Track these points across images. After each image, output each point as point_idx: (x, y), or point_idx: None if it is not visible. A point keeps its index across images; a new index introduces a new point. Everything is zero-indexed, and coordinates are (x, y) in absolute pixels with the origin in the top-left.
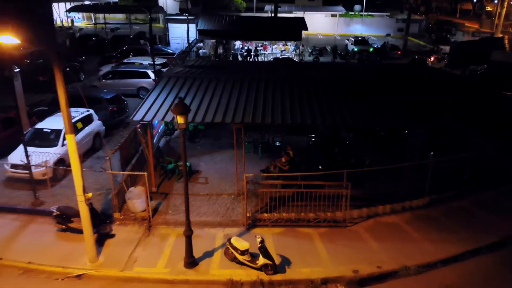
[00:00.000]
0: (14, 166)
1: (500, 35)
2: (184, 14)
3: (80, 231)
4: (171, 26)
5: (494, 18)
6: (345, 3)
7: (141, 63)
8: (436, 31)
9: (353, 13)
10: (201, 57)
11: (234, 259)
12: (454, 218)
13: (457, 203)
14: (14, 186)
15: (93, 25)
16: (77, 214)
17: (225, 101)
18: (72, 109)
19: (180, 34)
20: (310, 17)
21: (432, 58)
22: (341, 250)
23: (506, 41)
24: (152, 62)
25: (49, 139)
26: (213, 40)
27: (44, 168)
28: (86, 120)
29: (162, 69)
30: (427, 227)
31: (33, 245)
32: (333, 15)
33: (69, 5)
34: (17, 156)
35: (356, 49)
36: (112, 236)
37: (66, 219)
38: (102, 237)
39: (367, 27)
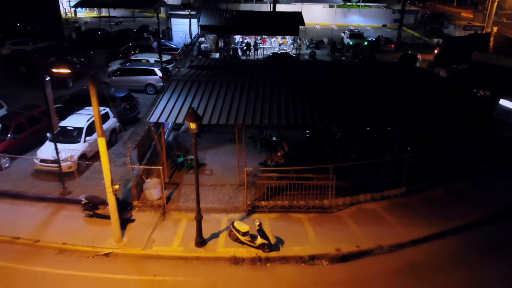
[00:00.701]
0: (43, 160)
1: (489, 30)
2: (186, 10)
3: (105, 217)
4: (174, 21)
5: (485, 11)
6: None
7: (147, 60)
8: (430, 23)
9: (350, 3)
10: (202, 51)
11: (237, 240)
12: (426, 206)
13: (430, 193)
14: (42, 178)
15: (96, 15)
16: (102, 202)
17: (228, 104)
18: (89, 107)
19: (183, 28)
20: (308, 8)
21: (436, 51)
22: (327, 232)
23: (492, 38)
24: (157, 59)
25: (72, 136)
26: (214, 35)
27: (70, 162)
28: (104, 118)
29: (168, 66)
30: (401, 213)
31: (65, 229)
32: (331, 6)
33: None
34: (45, 151)
35: (351, 43)
36: (133, 220)
37: (93, 206)
38: (124, 222)
39: (364, 18)
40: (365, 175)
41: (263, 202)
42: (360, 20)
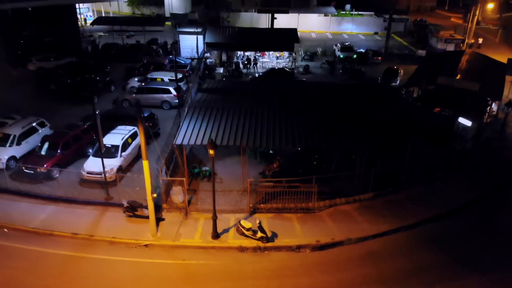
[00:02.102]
0: (89, 172)
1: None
2: (193, 26)
3: (142, 217)
4: (182, 37)
5: (467, 24)
6: (338, 1)
7: (162, 79)
8: (416, 33)
9: (344, 12)
10: (208, 66)
11: (242, 234)
12: (388, 207)
13: (393, 197)
14: (88, 186)
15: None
16: (139, 206)
17: (234, 127)
18: (121, 127)
19: (190, 44)
20: (305, 16)
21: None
22: (310, 228)
23: (465, 56)
24: (171, 77)
25: (111, 152)
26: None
27: (112, 173)
28: (133, 136)
29: (180, 83)
30: (368, 213)
31: (112, 226)
32: (325, 15)
33: (82, 6)
34: (90, 164)
35: (342, 56)
36: (163, 219)
37: (132, 209)
38: (157, 220)
39: (356, 26)
40: (341, 182)
41: (262, 205)
42: (353, 28)
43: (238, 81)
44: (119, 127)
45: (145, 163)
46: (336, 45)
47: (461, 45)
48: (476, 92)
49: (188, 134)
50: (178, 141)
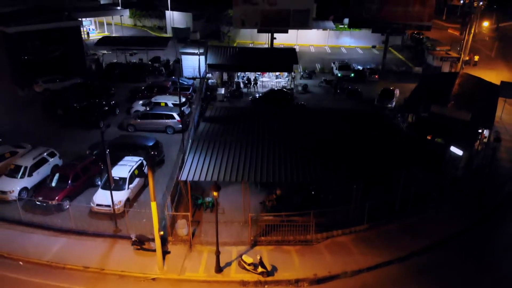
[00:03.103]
0: (99, 204)
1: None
2: (194, 46)
3: (150, 250)
4: (184, 57)
5: (462, 42)
6: (336, 16)
7: (166, 104)
8: (414, 48)
9: (342, 26)
10: (210, 86)
11: (244, 268)
12: (382, 238)
13: (386, 227)
14: (97, 217)
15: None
16: (147, 240)
17: (236, 163)
18: (127, 158)
19: (192, 63)
20: (304, 31)
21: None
22: (308, 261)
23: (458, 79)
24: (174, 102)
25: (119, 184)
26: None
27: (119, 206)
28: (140, 167)
29: (183, 107)
30: (363, 245)
31: (121, 259)
32: (324, 29)
33: (84, 19)
34: (100, 197)
35: (339, 75)
36: (169, 252)
37: (140, 242)
38: (163, 253)
39: (355, 39)
40: (338, 214)
41: (263, 238)
42: (351, 41)
43: (238, 109)
44: (126, 158)
45: (153, 205)
46: (334, 63)
47: (457, 63)
48: (467, 122)
49: (193, 170)
50: (183, 177)
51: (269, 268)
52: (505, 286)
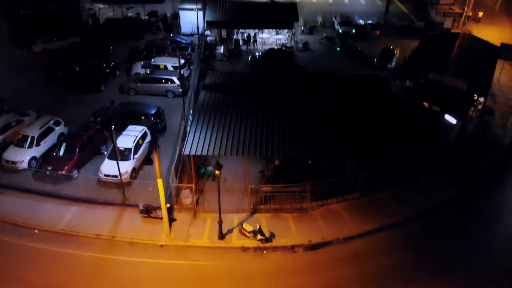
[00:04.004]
0: (106, 174)
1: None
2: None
3: (157, 218)
4: (182, 13)
5: None
6: None
7: (165, 66)
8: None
9: None
10: (208, 44)
11: (244, 235)
12: (374, 206)
13: (379, 195)
14: (105, 186)
15: None
16: (154, 208)
17: (236, 137)
18: (131, 127)
19: (190, 19)
20: None
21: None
22: (303, 228)
23: (459, 40)
24: (173, 64)
25: (124, 155)
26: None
27: (126, 176)
28: (143, 136)
29: (182, 70)
30: (355, 212)
31: (130, 227)
32: None
33: None
34: (107, 167)
35: (340, 31)
36: (175, 220)
37: (148, 211)
38: (169, 221)
39: None
40: (333, 183)
41: (262, 206)
42: None
43: (238, 75)
44: (130, 128)
45: (159, 181)
46: (335, 17)
47: (460, 18)
48: (463, 90)
49: (195, 144)
50: (186, 151)
51: (267, 235)
52: (483, 255)
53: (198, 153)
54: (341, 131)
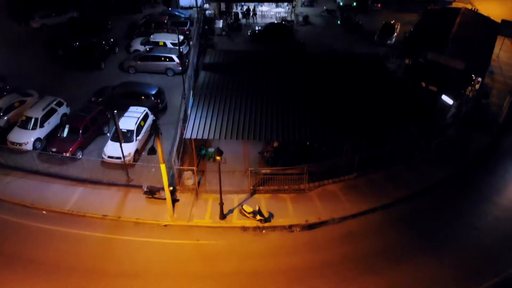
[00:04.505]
0: (110, 156)
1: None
2: None
3: (160, 199)
4: None
5: None
6: None
7: (164, 43)
8: None
9: None
10: (207, 17)
11: (244, 215)
12: (369, 187)
13: (374, 176)
14: (109, 167)
15: None
16: (157, 190)
17: (236, 121)
18: (132, 108)
19: None
20: None
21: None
22: (301, 208)
23: (459, 17)
24: (172, 41)
25: (127, 136)
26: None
27: (130, 157)
28: (145, 118)
29: (181, 48)
30: (350, 192)
31: (135, 207)
32: None
33: None
34: (110, 149)
35: (341, 4)
36: (177, 200)
37: (151, 192)
38: (172, 201)
39: None
40: (330, 164)
41: (261, 187)
42: None
43: (237, 54)
44: (131, 108)
45: (162, 167)
46: None
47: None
48: (461, 70)
49: (196, 127)
50: (188, 135)
51: (266, 215)
52: (469, 236)
53: (199, 137)
54: (339, 113)
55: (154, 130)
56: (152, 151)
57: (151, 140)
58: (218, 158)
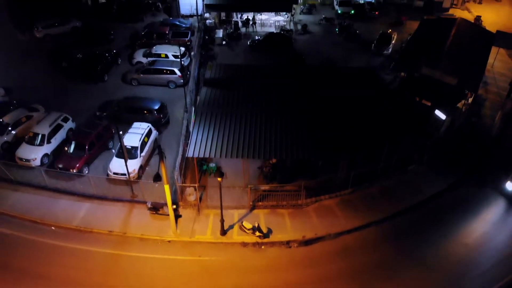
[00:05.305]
0: (115, 172)
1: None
2: None
3: (164, 215)
4: None
5: None
6: None
7: (166, 55)
8: None
9: None
10: (208, 27)
11: (244, 231)
12: (364, 202)
13: (369, 191)
14: (115, 182)
15: None
16: (161, 206)
17: (236, 139)
18: (136, 124)
19: (189, 1)
20: None
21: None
22: (298, 223)
23: (455, 27)
24: (174, 53)
25: (131, 153)
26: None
27: (134, 173)
28: (149, 134)
29: (182, 60)
30: (346, 208)
31: (140, 223)
32: None
33: None
34: (115, 166)
35: (339, 11)
36: (180, 216)
37: (155, 208)
38: (175, 217)
39: None
40: (326, 180)
41: (260, 203)
42: None
43: (237, 68)
44: (135, 124)
45: (166, 188)
46: None
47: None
48: (454, 86)
49: (197, 146)
50: (190, 154)
51: (265, 231)
52: (459, 252)
53: (201, 156)
54: (336, 129)
55: (159, 155)
56: (158, 177)
57: (154, 156)
58: (219, 179)
